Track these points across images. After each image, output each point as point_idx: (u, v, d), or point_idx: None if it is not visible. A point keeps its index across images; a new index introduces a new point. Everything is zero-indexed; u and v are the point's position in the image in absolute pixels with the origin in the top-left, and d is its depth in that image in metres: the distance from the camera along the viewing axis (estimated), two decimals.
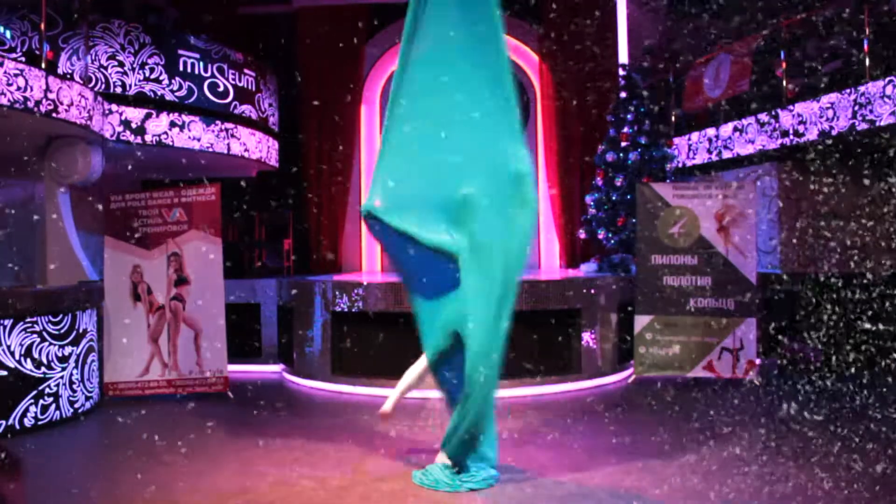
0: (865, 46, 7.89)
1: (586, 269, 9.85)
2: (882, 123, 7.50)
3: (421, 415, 6.88)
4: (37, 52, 6.87)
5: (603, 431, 6.21)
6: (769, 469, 5.06)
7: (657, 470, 5.09)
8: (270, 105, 10.35)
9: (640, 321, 8.23)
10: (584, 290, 8.11)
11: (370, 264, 12.12)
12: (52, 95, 6.74)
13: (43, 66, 6.74)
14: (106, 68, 8.23)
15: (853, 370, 8.80)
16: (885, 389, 7.84)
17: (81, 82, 7.34)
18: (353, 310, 7.98)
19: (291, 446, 5.84)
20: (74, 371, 6.87)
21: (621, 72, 10.36)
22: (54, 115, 6.78)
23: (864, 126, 7.70)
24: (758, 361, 8.06)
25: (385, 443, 5.91)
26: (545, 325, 7.94)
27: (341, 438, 6.06)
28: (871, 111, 7.63)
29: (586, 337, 8.07)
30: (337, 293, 8.09)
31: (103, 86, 8.18)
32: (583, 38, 11.53)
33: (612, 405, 7.25)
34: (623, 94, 9.95)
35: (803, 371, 8.82)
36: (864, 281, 9.06)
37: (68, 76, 7.16)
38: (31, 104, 6.51)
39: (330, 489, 4.78)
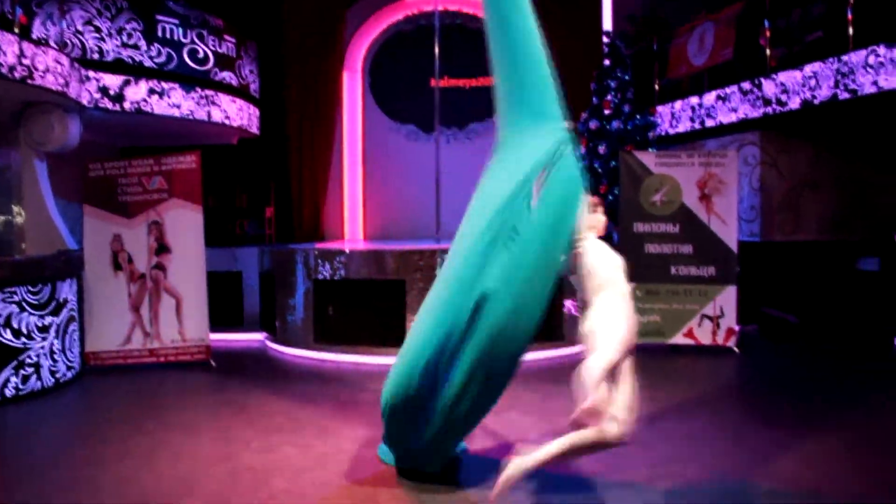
0: (849, 15, 7.88)
1: None
2: (864, 93, 7.52)
3: None
4: (9, 17, 6.72)
5: None
6: (749, 434, 5.14)
7: (638, 434, 5.13)
8: (251, 72, 10.22)
9: None
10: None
11: (352, 232, 12.10)
12: (26, 61, 6.61)
13: (16, 30, 6.61)
14: (82, 34, 8.07)
15: (830, 336, 8.92)
16: (860, 355, 7.96)
17: (57, 48, 7.20)
18: (336, 278, 7.97)
19: (274, 414, 5.86)
20: (55, 341, 6.83)
21: (605, 39, 10.30)
22: (29, 81, 6.66)
23: (846, 96, 7.72)
24: (737, 328, 8.14)
25: (367, 410, 5.93)
26: None
27: (323, 406, 6.08)
28: (853, 81, 7.64)
29: (569, 304, 8.11)
30: (319, 261, 8.07)
31: (80, 52, 8.03)
32: (566, 6, 11.44)
33: None
34: (607, 62, 9.90)
35: (782, 338, 8.93)
36: (841, 248, 9.16)
37: (43, 41, 7.02)
38: (4, 70, 6.38)
39: (312, 456, 4.81)
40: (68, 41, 7.89)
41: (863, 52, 7.54)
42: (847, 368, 7.40)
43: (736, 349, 8.05)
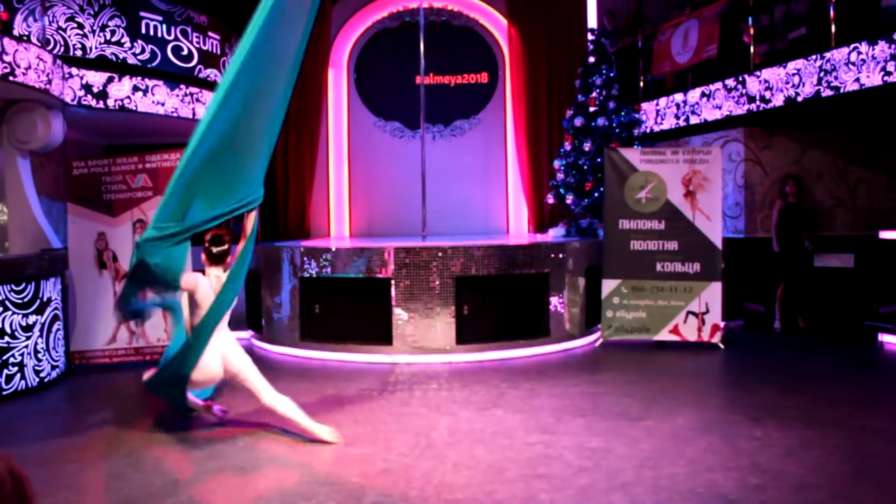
0: (831, 13, 7.94)
1: (554, 233, 9.90)
2: (847, 90, 7.58)
3: (384, 378, 6.92)
4: None
5: (570, 394, 6.30)
6: (735, 429, 5.18)
7: (623, 431, 5.18)
8: None
9: (608, 285, 8.32)
10: (553, 255, 8.16)
11: (338, 229, 12.07)
12: (7, 58, 6.56)
13: None
14: (65, 30, 8.01)
15: (814, 330, 8.99)
16: (845, 350, 8.03)
17: (39, 44, 7.15)
18: (322, 275, 7.96)
19: (261, 412, 5.83)
20: (39, 340, 6.79)
21: (590, 36, 10.33)
22: (11, 78, 6.60)
23: (829, 93, 7.78)
24: (722, 325, 8.19)
25: (353, 407, 5.95)
26: (514, 290, 7.99)
27: (310, 404, 6.07)
28: (836, 78, 7.70)
29: (554, 301, 8.14)
30: (305, 259, 8.06)
31: (62, 48, 7.98)
32: (552, 2, 11.47)
33: (579, 368, 7.35)
34: (592, 59, 9.93)
35: (767, 333, 9.01)
36: (826, 243, 9.22)
37: (25, 38, 6.97)
38: None
39: (300, 453, 4.81)
40: (50, 38, 7.83)
41: (845, 50, 7.60)
42: (832, 363, 7.47)
43: (721, 345, 8.10)
